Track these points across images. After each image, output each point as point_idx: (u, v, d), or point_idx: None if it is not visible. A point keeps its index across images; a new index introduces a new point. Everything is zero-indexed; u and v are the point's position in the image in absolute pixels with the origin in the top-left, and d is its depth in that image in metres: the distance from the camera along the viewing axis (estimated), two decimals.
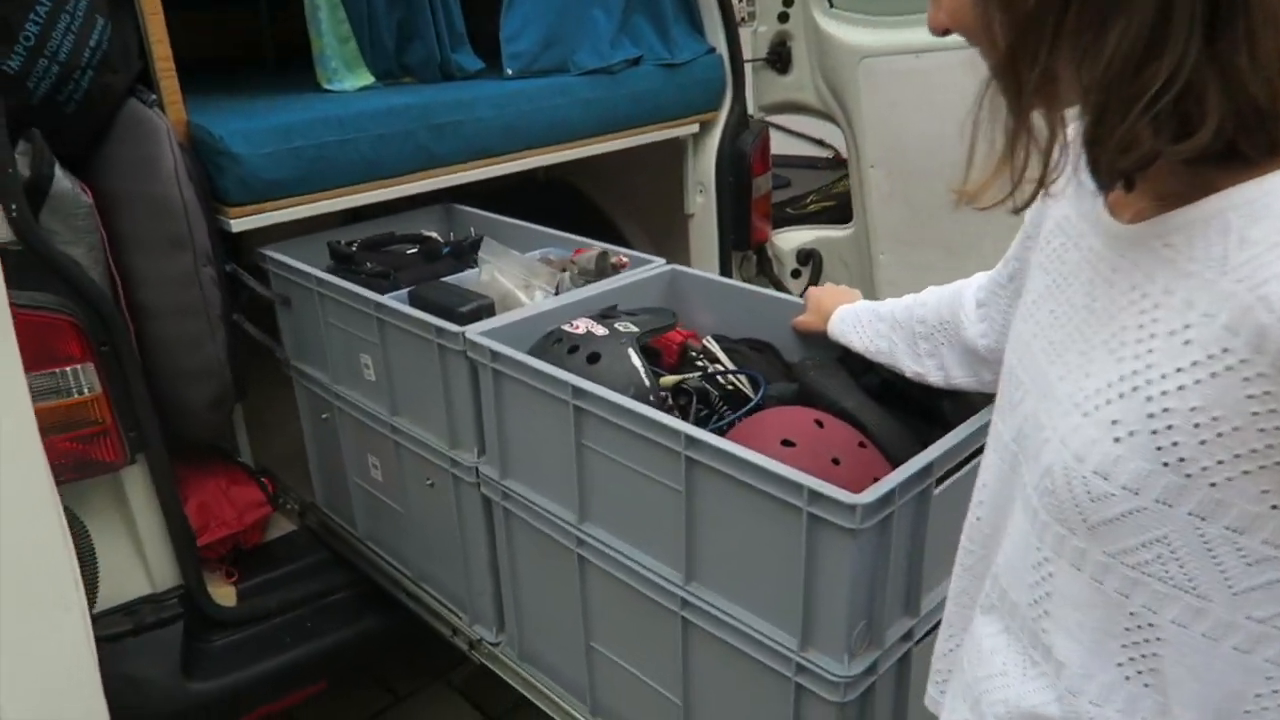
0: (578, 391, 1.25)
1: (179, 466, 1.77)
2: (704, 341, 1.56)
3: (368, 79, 2.12)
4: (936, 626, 0.98)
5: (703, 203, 2.58)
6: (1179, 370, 0.63)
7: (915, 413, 1.31)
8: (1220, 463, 0.62)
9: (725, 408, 1.44)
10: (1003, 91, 0.68)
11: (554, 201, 2.72)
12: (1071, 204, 0.80)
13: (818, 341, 1.45)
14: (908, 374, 1.26)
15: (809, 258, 2.81)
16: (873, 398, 1.31)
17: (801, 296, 1.52)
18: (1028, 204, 0.70)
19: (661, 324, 1.46)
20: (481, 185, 2.11)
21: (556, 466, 1.33)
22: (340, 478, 1.89)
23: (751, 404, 1.33)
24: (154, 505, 1.71)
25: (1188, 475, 0.63)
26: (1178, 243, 0.65)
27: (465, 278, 1.71)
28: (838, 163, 5.28)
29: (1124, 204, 0.72)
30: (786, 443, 1.14)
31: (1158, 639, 0.68)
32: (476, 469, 1.50)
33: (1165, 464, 0.63)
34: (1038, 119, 0.68)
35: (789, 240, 2.82)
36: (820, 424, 1.18)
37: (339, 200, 1.87)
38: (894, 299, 1.33)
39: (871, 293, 2.32)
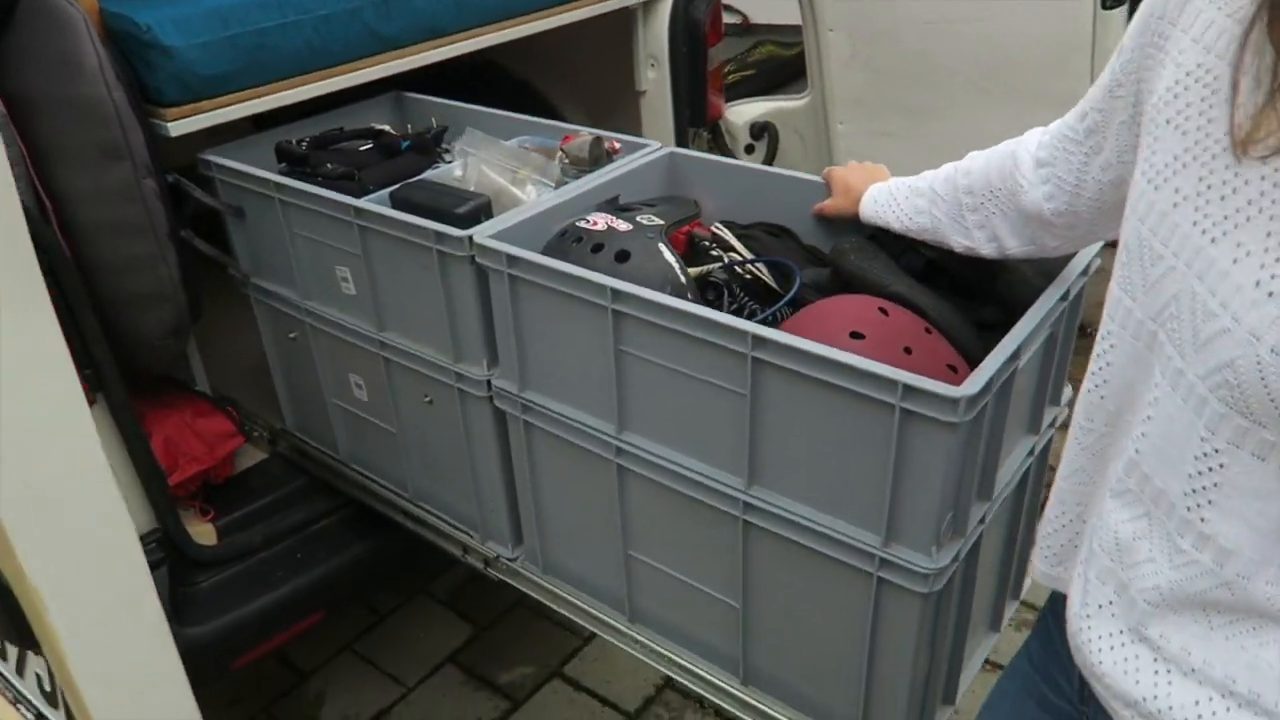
0: (616, 294, 1.15)
1: (136, 402, 1.61)
2: (713, 229, 1.47)
3: None
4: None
5: (655, 78, 2.42)
6: None
7: (963, 291, 1.26)
8: None
9: (748, 299, 1.37)
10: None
11: (486, 88, 2.52)
12: (1208, 50, 0.73)
13: (842, 225, 1.38)
14: (956, 249, 1.19)
15: (763, 131, 2.71)
16: (918, 279, 1.25)
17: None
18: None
19: (685, 214, 1.36)
20: (408, 75, 1.91)
21: (590, 375, 1.24)
22: (315, 400, 1.76)
23: (789, 295, 1.25)
24: (119, 447, 1.55)
25: None
26: None
27: (443, 174, 1.57)
28: (745, 28, 5.12)
29: None
30: (855, 335, 1.07)
31: None
32: (488, 382, 1.39)
33: None
34: None
35: (741, 114, 2.71)
36: (885, 312, 1.11)
37: (284, 94, 1.67)
38: (930, 171, 1.25)
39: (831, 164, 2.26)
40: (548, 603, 1.54)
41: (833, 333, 1.07)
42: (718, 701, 1.35)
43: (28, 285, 0.82)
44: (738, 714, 1.33)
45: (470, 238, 1.28)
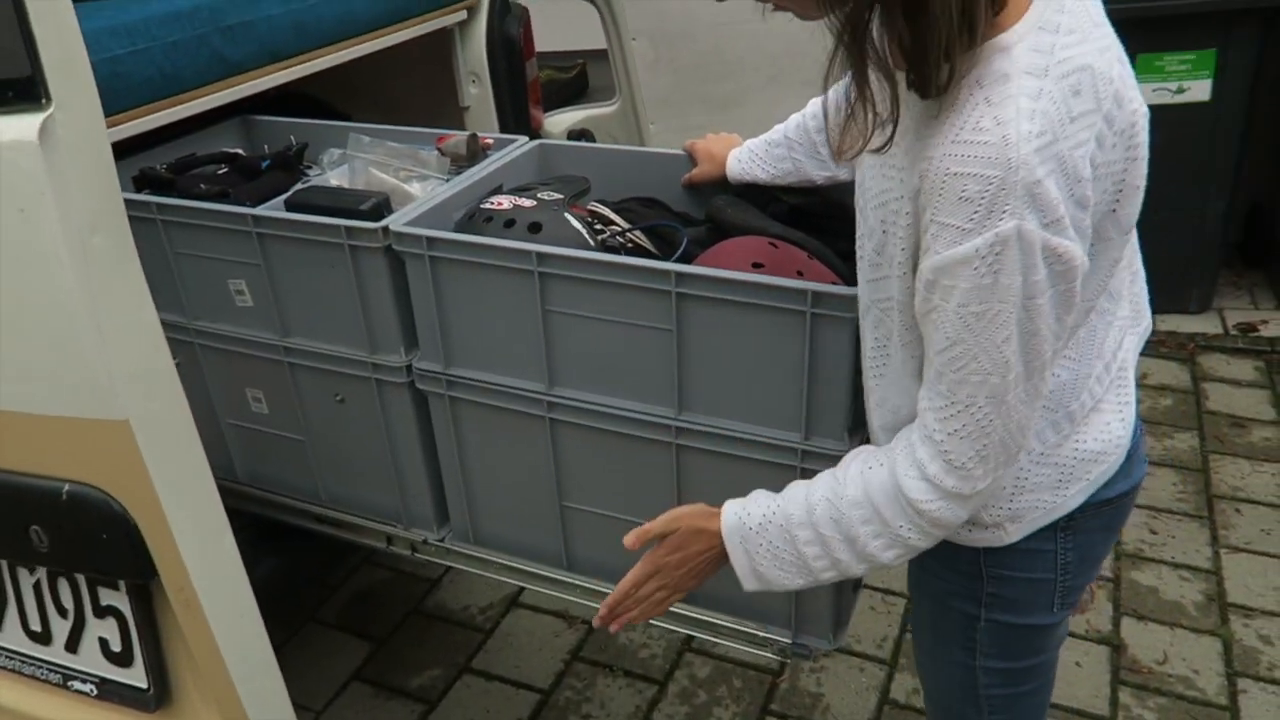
0: (542, 258, 1.28)
1: None
2: (590, 207, 1.61)
3: None
4: None
5: (477, 93, 2.55)
6: None
7: (821, 230, 1.47)
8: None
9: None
10: (849, 60, 0.84)
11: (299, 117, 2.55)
12: None
13: (706, 190, 1.57)
14: (819, 182, 1.41)
15: (581, 136, 2.88)
16: (785, 224, 1.45)
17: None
18: (887, 144, 0.87)
19: (579, 189, 1.50)
20: (235, 106, 1.93)
21: (517, 341, 1.36)
22: (205, 425, 1.74)
23: (680, 250, 1.42)
24: None
25: None
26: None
27: (326, 180, 1.63)
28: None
29: None
30: (757, 265, 1.26)
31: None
32: (408, 367, 1.47)
33: None
34: (874, 76, 0.84)
35: (559, 123, 2.87)
36: (774, 245, 1.31)
37: (136, 123, 1.67)
38: (778, 124, 1.47)
39: None
40: (480, 571, 1.62)
41: (737, 266, 1.25)
42: (661, 624, 1.49)
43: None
44: (685, 630, 1.48)
45: (385, 228, 1.37)
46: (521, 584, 1.60)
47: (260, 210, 1.47)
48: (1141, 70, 3.18)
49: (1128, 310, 1.06)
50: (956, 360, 0.87)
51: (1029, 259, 0.81)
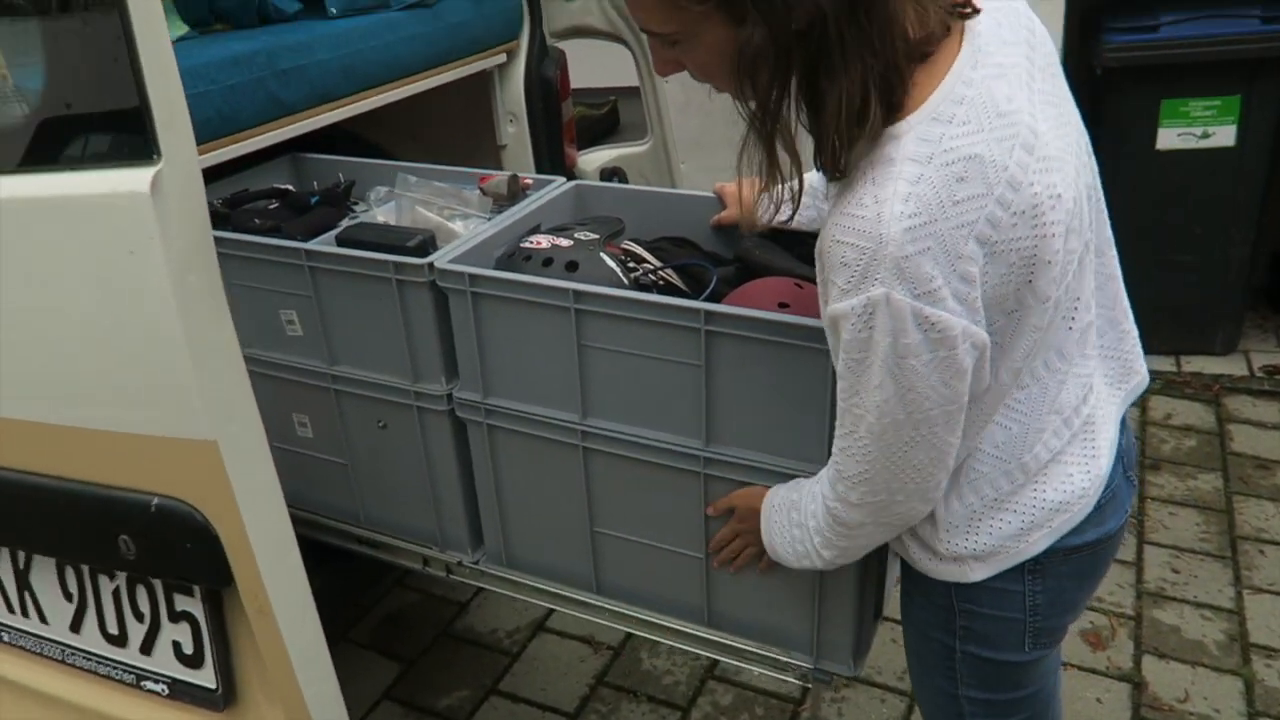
0: (579, 295, 1.35)
1: None
2: (624, 246, 1.69)
3: (181, 29, 1.99)
4: None
5: (514, 132, 2.65)
6: None
7: None
8: None
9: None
10: (756, 138, 0.94)
11: (342, 153, 2.66)
12: None
13: (734, 231, 1.64)
14: None
15: (613, 174, 2.97)
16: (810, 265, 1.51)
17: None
18: (790, 218, 0.96)
19: (614, 229, 1.58)
20: (285, 144, 2.03)
21: (552, 373, 1.43)
22: None
23: (710, 288, 1.49)
24: None
25: None
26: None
27: (373, 217, 1.71)
28: None
29: None
30: (782, 305, 1.32)
31: None
32: (448, 395, 1.54)
33: None
34: (783, 154, 0.94)
35: (592, 161, 2.96)
36: (800, 286, 1.37)
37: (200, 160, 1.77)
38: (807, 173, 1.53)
39: None
40: (512, 593, 1.68)
41: (764, 305, 1.32)
42: (687, 647, 1.54)
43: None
44: (712, 655, 1.53)
45: (431, 264, 1.45)
46: (551, 606, 1.66)
47: (313, 245, 1.55)
48: (1167, 115, 3.23)
49: (1095, 367, 1.10)
50: (843, 393, 0.99)
51: (898, 323, 0.89)
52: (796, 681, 1.48)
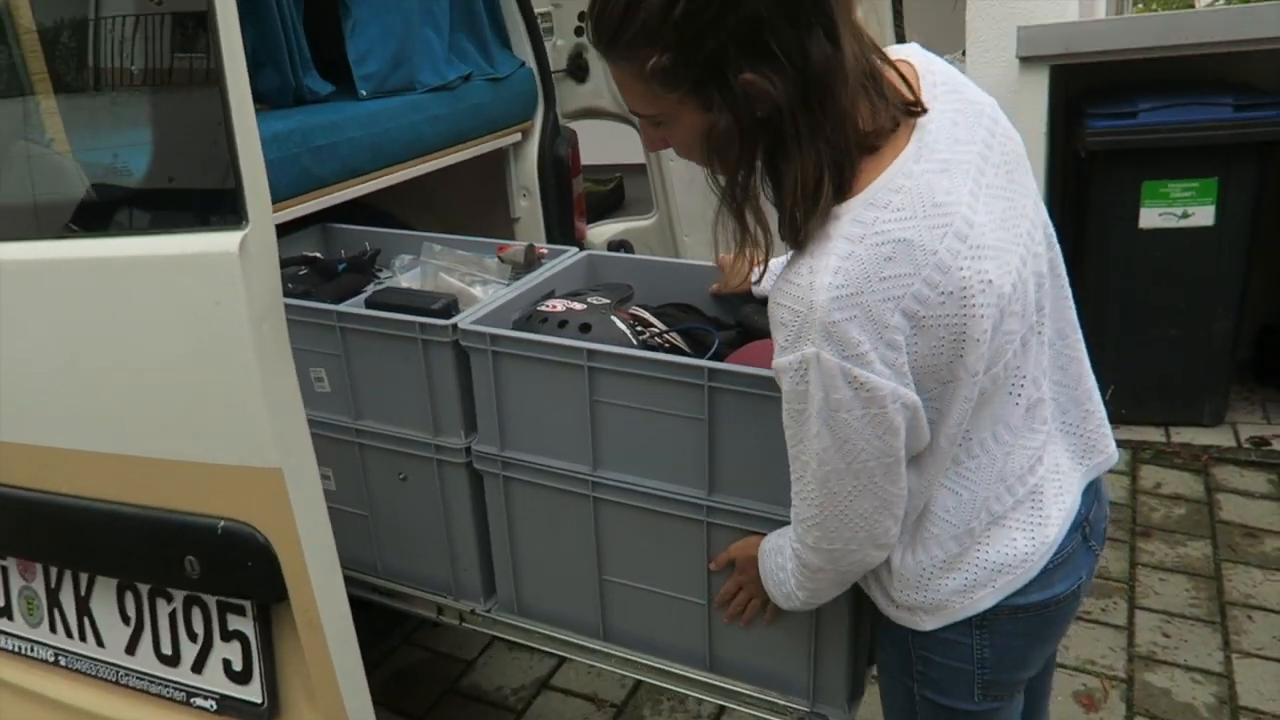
0: (591, 354, 1.46)
1: None
2: (632, 312, 1.81)
3: None
4: None
5: (528, 206, 2.80)
6: None
7: None
8: None
9: None
10: (727, 209, 1.07)
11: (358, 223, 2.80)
12: None
13: (735, 299, 1.76)
14: None
15: (620, 246, 3.12)
16: None
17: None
18: (759, 280, 1.08)
19: (624, 295, 1.70)
20: (315, 215, 2.17)
21: (565, 427, 1.53)
22: None
23: (713, 349, 1.60)
24: None
25: None
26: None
27: (398, 283, 1.83)
28: None
29: None
30: None
31: None
32: (467, 449, 1.64)
33: None
34: (752, 222, 1.07)
35: (601, 234, 3.11)
36: None
37: None
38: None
39: None
40: (523, 641, 1.76)
41: (762, 364, 1.42)
42: (689, 692, 1.61)
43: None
44: (715, 700, 1.60)
45: (455, 325, 1.56)
46: (561, 653, 1.73)
47: (344, 307, 1.67)
48: (1148, 196, 3.38)
49: (1051, 441, 1.19)
50: (789, 440, 1.10)
51: (829, 380, 1.00)
52: None
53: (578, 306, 1.59)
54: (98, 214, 1.01)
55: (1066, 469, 1.21)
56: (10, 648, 1.25)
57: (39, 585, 1.21)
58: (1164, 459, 3.48)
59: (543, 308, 1.62)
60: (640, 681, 2.52)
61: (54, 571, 1.18)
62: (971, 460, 1.12)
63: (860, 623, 1.46)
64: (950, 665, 1.20)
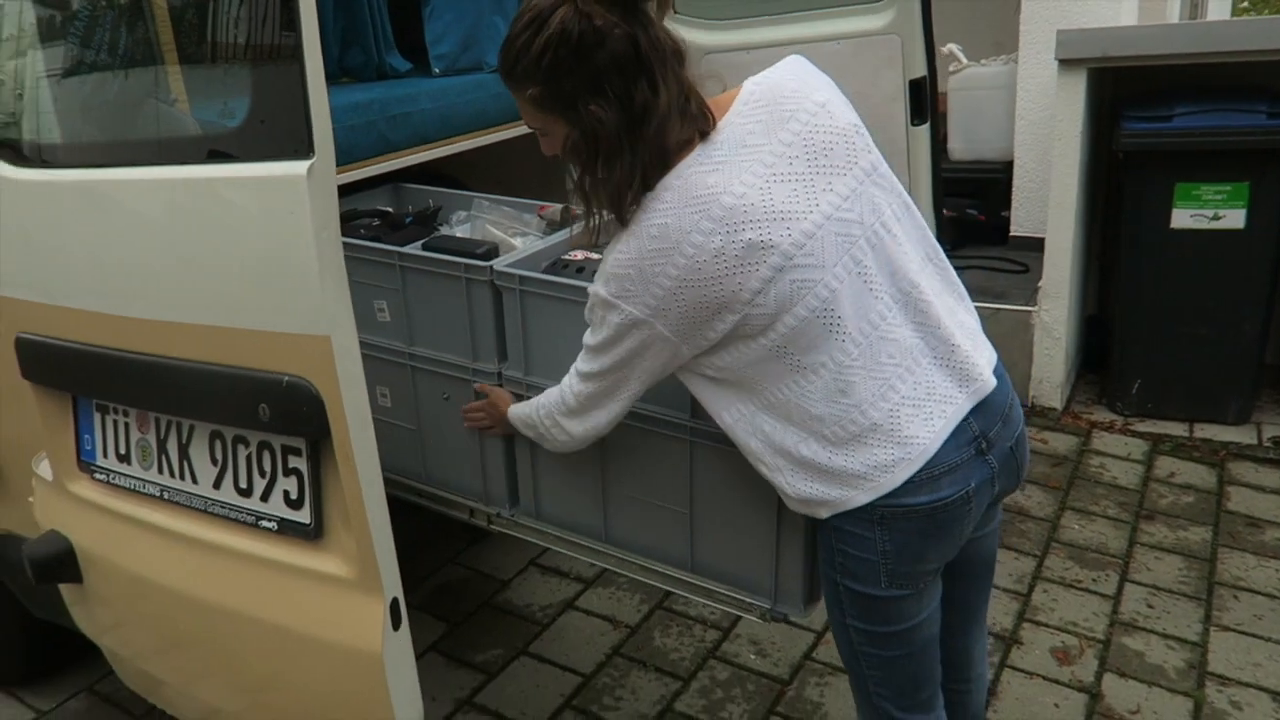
0: None
1: None
2: None
3: None
4: None
5: None
6: None
7: None
8: None
9: None
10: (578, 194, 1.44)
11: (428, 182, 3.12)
12: None
13: None
14: None
15: None
16: None
17: None
18: (595, 240, 1.45)
19: None
20: (388, 175, 2.50)
21: (576, 356, 1.82)
22: None
23: None
24: None
25: None
26: None
27: (453, 233, 2.15)
28: None
29: None
30: None
31: None
32: (499, 373, 1.95)
33: None
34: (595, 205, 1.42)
35: None
36: None
37: None
38: None
39: None
40: (539, 542, 2.06)
41: None
42: (673, 589, 1.89)
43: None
44: (687, 594, 1.87)
45: (491, 267, 1.86)
46: (570, 552, 2.03)
47: (403, 249, 1.99)
48: (1180, 198, 3.51)
49: (913, 373, 1.41)
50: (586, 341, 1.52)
51: (604, 311, 1.42)
52: (757, 620, 1.81)
53: (595, 256, 1.88)
54: (210, 147, 1.35)
55: (943, 395, 1.43)
56: (128, 485, 1.61)
57: (151, 437, 1.56)
58: (1183, 451, 3.61)
59: (567, 256, 1.91)
60: (653, 609, 2.81)
61: (163, 424, 1.53)
62: (809, 382, 1.38)
63: (813, 540, 1.71)
64: (861, 556, 1.45)
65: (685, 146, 1.36)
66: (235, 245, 1.27)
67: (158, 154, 1.43)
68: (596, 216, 1.41)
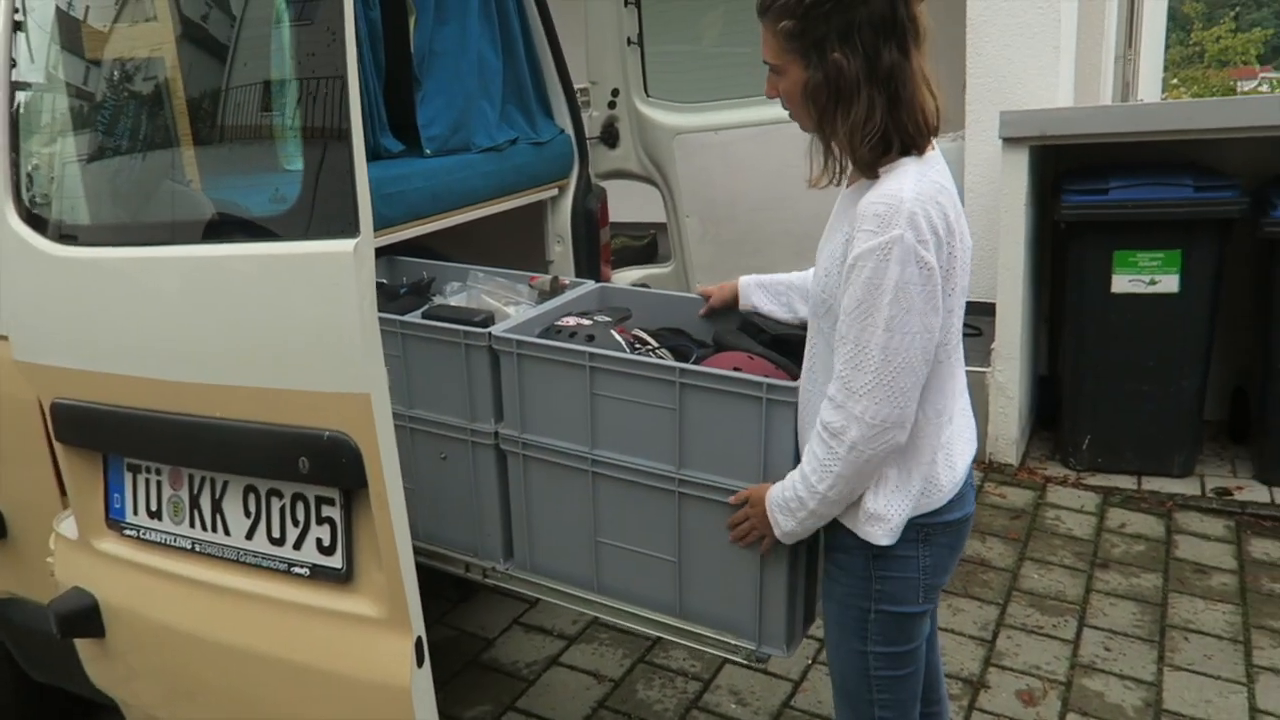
0: (594, 357, 1.89)
1: None
2: (633, 333, 2.24)
3: None
4: None
5: (561, 251, 3.26)
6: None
7: (789, 354, 2.06)
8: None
9: None
10: (818, 138, 1.55)
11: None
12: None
13: (715, 321, 2.19)
14: (796, 321, 2.02)
15: (642, 288, 3.57)
16: (766, 347, 2.05)
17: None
18: (834, 181, 1.59)
19: (623, 315, 2.14)
20: (382, 249, 2.63)
21: (570, 414, 1.96)
22: None
23: (692, 359, 2.03)
24: None
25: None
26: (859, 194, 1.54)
27: (449, 302, 2.29)
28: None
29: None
30: (737, 369, 1.85)
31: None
32: (495, 433, 2.08)
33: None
34: (835, 148, 1.55)
35: (624, 278, 3.58)
36: (751, 358, 1.91)
37: None
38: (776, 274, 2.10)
39: None
40: (533, 594, 2.16)
41: (724, 368, 1.85)
42: (663, 635, 2.00)
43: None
44: (676, 640, 1.99)
45: (490, 333, 2.01)
46: (562, 604, 2.13)
47: (406, 317, 2.13)
48: (1119, 264, 3.76)
49: (950, 403, 1.60)
50: (852, 322, 1.45)
51: (905, 256, 1.41)
52: (743, 662, 1.93)
53: (585, 322, 2.03)
54: (266, 226, 1.51)
55: (968, 436, 1.66)
56: (159, 540, 1.71)
57: (184, 492, 1.67)
58: (1132, 503, 3.80)
59: (559, 323, 2.06)
60: (635, 662, 2.91)
61: (197, 480, 1.64)
62: (946, 388, 1.57)
63: (795, 581, 1.85)
64: (904, 577, 1.59)
65: (927, 143, 1.51)
66: (285, 314, 1.41)
67: (221, 234, 1.58)
68: (835, 159, 1.54)
